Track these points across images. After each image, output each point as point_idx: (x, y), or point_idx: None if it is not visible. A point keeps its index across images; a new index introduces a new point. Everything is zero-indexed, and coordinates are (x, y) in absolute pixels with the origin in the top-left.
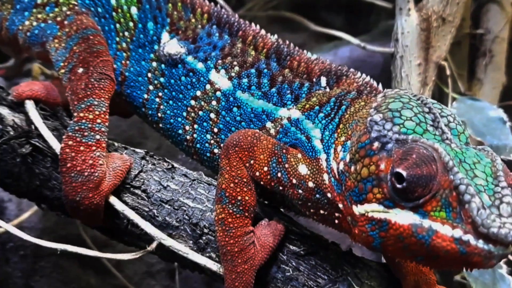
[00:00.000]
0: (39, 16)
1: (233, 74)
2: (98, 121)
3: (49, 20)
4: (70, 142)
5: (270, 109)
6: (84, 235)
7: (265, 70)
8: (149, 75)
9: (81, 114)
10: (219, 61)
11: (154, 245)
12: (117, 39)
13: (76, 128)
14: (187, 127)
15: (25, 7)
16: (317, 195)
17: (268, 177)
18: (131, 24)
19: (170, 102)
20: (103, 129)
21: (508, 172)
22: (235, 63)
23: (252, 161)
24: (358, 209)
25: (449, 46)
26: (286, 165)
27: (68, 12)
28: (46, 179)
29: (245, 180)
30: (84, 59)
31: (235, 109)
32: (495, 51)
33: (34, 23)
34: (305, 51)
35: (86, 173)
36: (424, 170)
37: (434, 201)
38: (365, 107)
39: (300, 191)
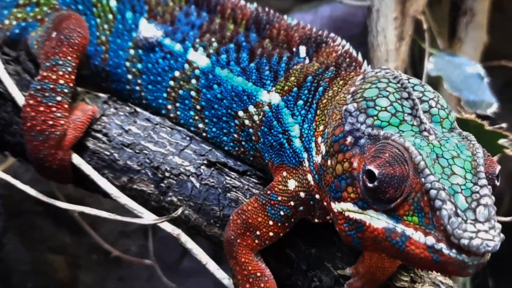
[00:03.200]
0: (19, 15)
1: (211, 51)
2: (61, 81)
3: (30, 19)
4: (31, 101)
5: (250, 89)
6: (57, 193)
7: (244, 43)
8: (127, 64)
9: (45, 74)
10: (197, 40)
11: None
12: (97, 33)
13: (38, 87)
14: (169, 106)
15: (5, 5)
16: (311, 202)
17: (279, 224)
18: (110, 16)
19: (149, 86)
20: (65, 90)
21: (493, 162)
22: (213, 39)
23: (258, 232)
24: (336, 206)
25: (426, 0)
26: (279, 198)
27: (49, 11)
28: (7, 124)
29: (259, 274)
30: (57, 24)
31: (215, 86)
32: (476, 9)
33: (14, 22)
34: (285, 17)
35: (46, 132)
36: (397, 170)
37: (406, 205)
38: (343, 87)
39: (301, 208)
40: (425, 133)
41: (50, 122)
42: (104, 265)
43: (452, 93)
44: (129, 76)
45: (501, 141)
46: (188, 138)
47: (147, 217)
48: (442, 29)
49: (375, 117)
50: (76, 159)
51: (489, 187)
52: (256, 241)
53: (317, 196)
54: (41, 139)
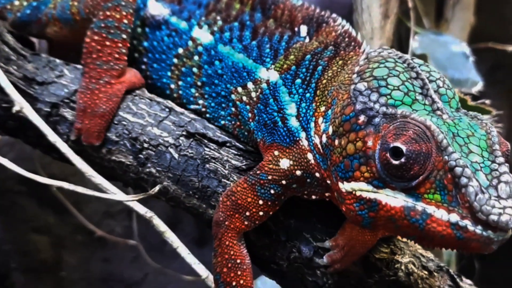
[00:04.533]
0: None
1: (215, 29)
2: (125, 21)
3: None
4: (96, 37)
5: (250, 66)
6: (41, 173)
7: (248, 22)
8: (134, 42)
9: (108, 13)
10: (203, 18)
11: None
12: None
13: (102, 25)
14: (172, 86)
15: None
16: (308, 180)
17: (269, 203)
18: None
19: (155, 65)
20: (129, 30)
21: (503, 141)
22: (218, 18)
23: (247, 213)
24: (344, 186)
25: None
26: (270, 177)
27: None
28: None
29: (238, 261)
30: None
31: (217, 62)
32: None
33: (25, 3)
34: None
35: (111, 63)
36: (423, 147)
37: (427, 183)
38: (343, 67)
39: (294, 185)
40: (439, 112)
41: (116, 56)
42: (88, 245)
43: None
44: (136, 55)
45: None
46: (167, 110)
47: (123, 195)
48: (428, 9)
49: (388, 96)
50: (52, 136)
51: (507, 164)
52: (246, 223)
53: (317, 175)
54: (105, 67)
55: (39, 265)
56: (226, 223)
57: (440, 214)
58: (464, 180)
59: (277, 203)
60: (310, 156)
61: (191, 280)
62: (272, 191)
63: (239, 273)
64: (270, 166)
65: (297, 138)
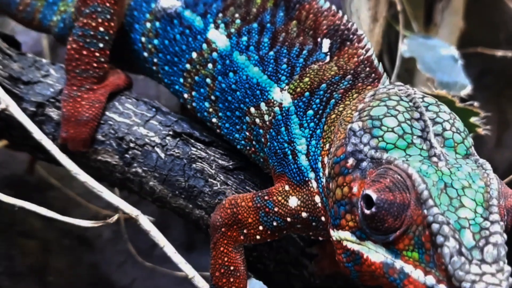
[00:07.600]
0: (62, 9)
1: (232, 30)
2: (101, 29)
3: (70, 9)
4: (74, 45)
5: (264, 83)
6: (28, 176)
7: (269, 25)
8: (143, 39)
9: (85, 20)
10: (220, 14)
11: (115, 218)
12: None
13: (80, 33)
14: (185, 95)
15: (55, 1)
16: (314, 223)
17: (269, 232)
18: None
19: (166, 68)
20: (106, 37)
21: (508, 193)
22: (237, 15)
23: (245, 230)
24: (334, 234)
25: None
26: (276, 209)
27: None
28: None
29: (232, 268)
30: None
31: (231, 74)
32: None
33: (58, 17)
34: None
35: (91, 71)
36: (397, 197)
37: (406, 239)
38: (354, 101)
39: (298, 226)
40: (435, 159)
41: (95, 65)
42: (76, 250)
43: (425, 74)
44: (145, 54)
45: (473, 120)
46: (154, 109)
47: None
48: (417, 13)
49: (380, 138)
50: (38, 134)
51: (502, 223)
52: (242, 237)
53: (323, 219)
54: (85, 76)
55: (26, 270)
56: (223, 229)
57: (417, 275)
58: (440, 239)
59: (277, 235)
60: (317, 199)
61: (179, 284)
62: (274, 223)
63: (231, 280)
64: (280, 198)
65: (306, 179)
